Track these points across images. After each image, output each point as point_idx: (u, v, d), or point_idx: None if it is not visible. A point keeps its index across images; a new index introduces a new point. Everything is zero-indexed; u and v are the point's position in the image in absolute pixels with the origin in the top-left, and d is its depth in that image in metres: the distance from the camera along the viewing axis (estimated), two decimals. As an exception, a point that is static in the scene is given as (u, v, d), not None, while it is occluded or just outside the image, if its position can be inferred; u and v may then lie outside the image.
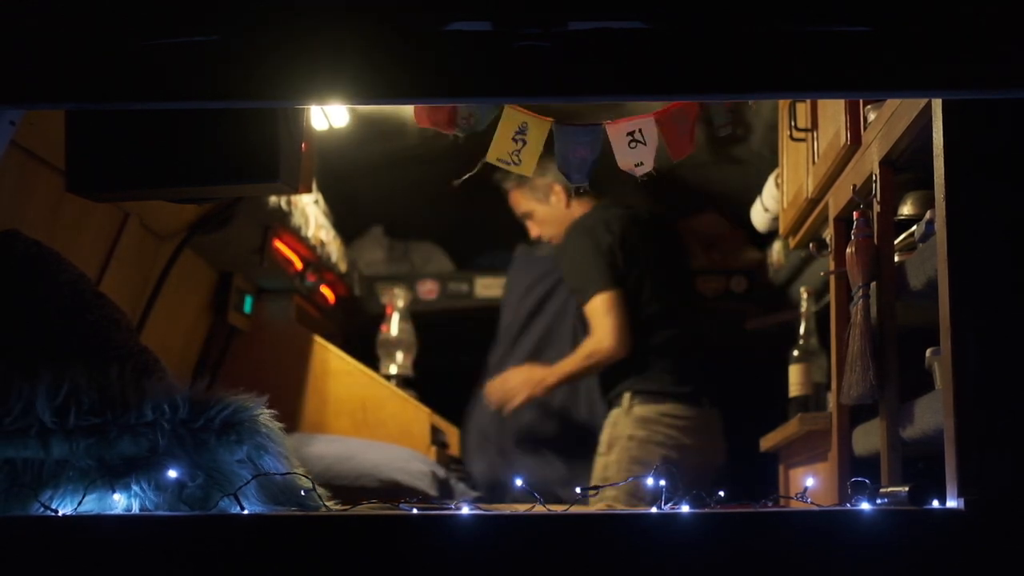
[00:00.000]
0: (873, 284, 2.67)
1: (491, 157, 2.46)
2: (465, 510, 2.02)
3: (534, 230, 4.97)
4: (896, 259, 2.67)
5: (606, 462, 4.50)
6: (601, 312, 4.55)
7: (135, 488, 2.09)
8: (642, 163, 2.47)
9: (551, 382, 4.66)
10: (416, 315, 5.56)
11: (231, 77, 2.00)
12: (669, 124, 2.47)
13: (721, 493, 2.26)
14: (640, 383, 4.58)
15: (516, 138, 2.50)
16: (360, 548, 1.96)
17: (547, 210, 4.86)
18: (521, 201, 4.93)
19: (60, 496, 2.08)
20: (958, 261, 2.07)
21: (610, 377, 4.63)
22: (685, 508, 2.03)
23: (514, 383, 4.68)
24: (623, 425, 4.53)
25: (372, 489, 3.98)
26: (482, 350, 4.97)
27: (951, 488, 2.01)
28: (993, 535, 1.95)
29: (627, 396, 4.55)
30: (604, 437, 4.56)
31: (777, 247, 4.93)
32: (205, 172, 2.56)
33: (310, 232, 4.44)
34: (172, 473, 2.10)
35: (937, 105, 2.17)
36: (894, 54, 1.97)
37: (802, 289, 4.29)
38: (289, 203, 4.07)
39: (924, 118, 2.31)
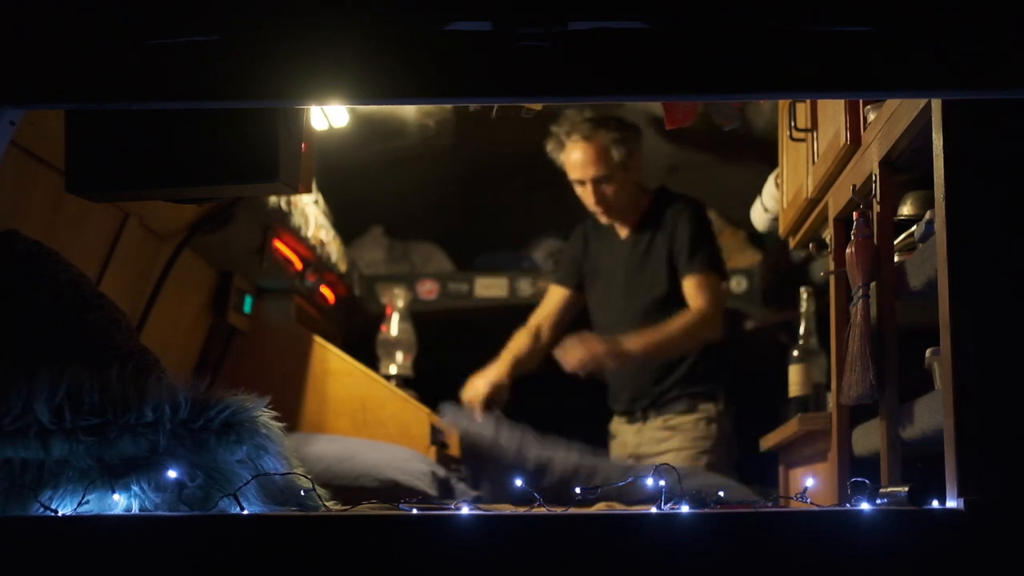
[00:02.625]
0: (873, 284, 2.67)
1: (497, 112, 2.51)
2: (465, 510, 2.02)
3: (592, 195, 4.54)
4: (896, 259, 2.67)
5: (714, 461, 4.51)
6: (711, 289, 4.46)
7: (135, 488, 2.09)
8: None
9: (641, 347, 4.40)
10: (416, 315, 5.56)
11: (231, 77, 2.00)
12: None
13: (721, 493, 2.26)
14: (728, 380, 4.62)
15: None
16: (360, 548, 1.96)
17: (626, 178, 4.55)
18: (604, 158, 4.49)
19: (60, 496, 2.08)
20: (957, 261, 2.07)
21: (704, 370, 4.59)
22: (685, 508, 2.03)
23: (591, 347, 4.38)
24: (725, 425, 4.57)
25: (372, 489, 3.98)
26: (482, 350, 4.97)
27: (951, 488, 2.01)
28: (993, 535, 1.95)
29: (723, 395, 4.58)
30: (709, 432, 4.53)
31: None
32: (205, 172, 2.56)
33: (310, 232, 4.44)
34: (172, 473, 2.10)
35: (937, 105, 2.17)
36: (894, 54, 1.97)
37: (802, 289, 4.29)
38: (289, 203, 4.07)
39: (924, 118, 2.31)
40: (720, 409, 4.57)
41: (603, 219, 4.69)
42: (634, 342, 4.43)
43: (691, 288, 4.49)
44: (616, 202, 4.59)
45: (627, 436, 4.63)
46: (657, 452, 4.48)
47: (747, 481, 5.49)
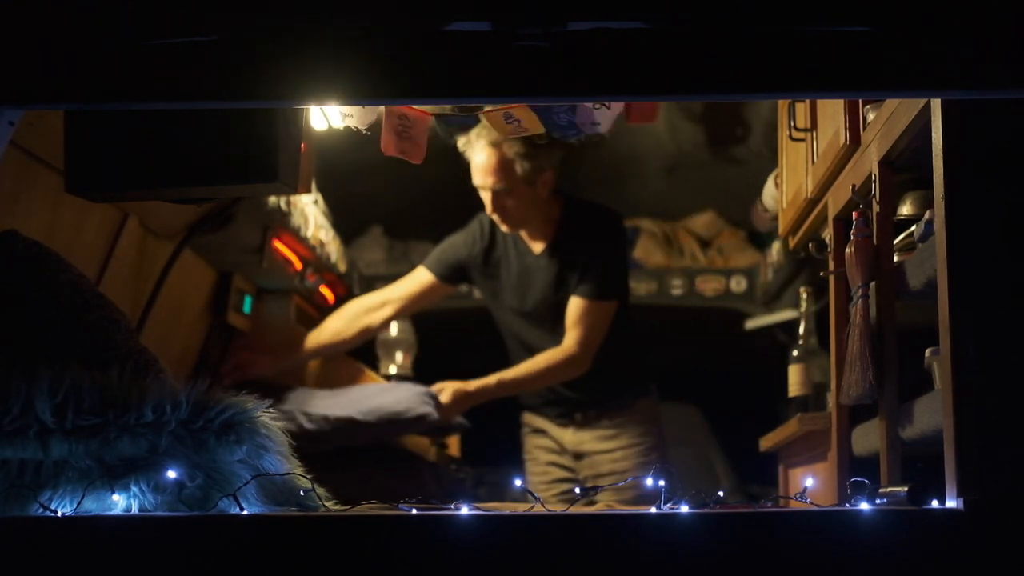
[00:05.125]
0: (873, 284, 2.67)
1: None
2: (465, 510, 2.02)
3: (491, 203, 4.29)
4: (895, 259, 2.67)
5: (661, 452, 4.52)
6: (594, 318, 4.33)
7: (134, 489, 2.09)
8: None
9: (492, 385, 4.34)
10: (416, 315, 5.55)
11: (231, 77, 2.00)
12: None
13: (720, 493, 2.26)
14: (656, 372, 4.63)
15: (509, 122, 2.55)
16: (360, 548, 1.96)
17: (530, 193, 4.28)
18: (506, 169, 4.21)
19: (59, 497, 2.07)
20: (957, 261, 2.07)
21: (641, 367, 4.60)
22: (684, 508, 2.03)
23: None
24: (659, 416, 4.59)
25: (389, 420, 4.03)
26: (482, 350, 4.95)
27: (951, 488, 2.01)
28: (993, 535, 1.95)
29: (654, 388, 4.60)
30: (652, 428, 4.53)
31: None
32: (205, 172, 2.56)
33: (310, 232, 4.43)
34: (171, 474, 2.10)
35: (936, 105, 2.17)
36: (894, 54, 1.97)
37: (802, 289, 4.29)
38: (289, 203, 4.07)
39: (923, 118, 2.31)
40: (654, 401, 4.58)
41: (504, 227, 4.41)
42: (484, 381, 4.34)
43: (574, 312, 4.33)
44: (516, 214, 4.33)
45: (560, 435, 4.54)
46: (604, 450, 4.47)
47: (747, 481, 5.49)
